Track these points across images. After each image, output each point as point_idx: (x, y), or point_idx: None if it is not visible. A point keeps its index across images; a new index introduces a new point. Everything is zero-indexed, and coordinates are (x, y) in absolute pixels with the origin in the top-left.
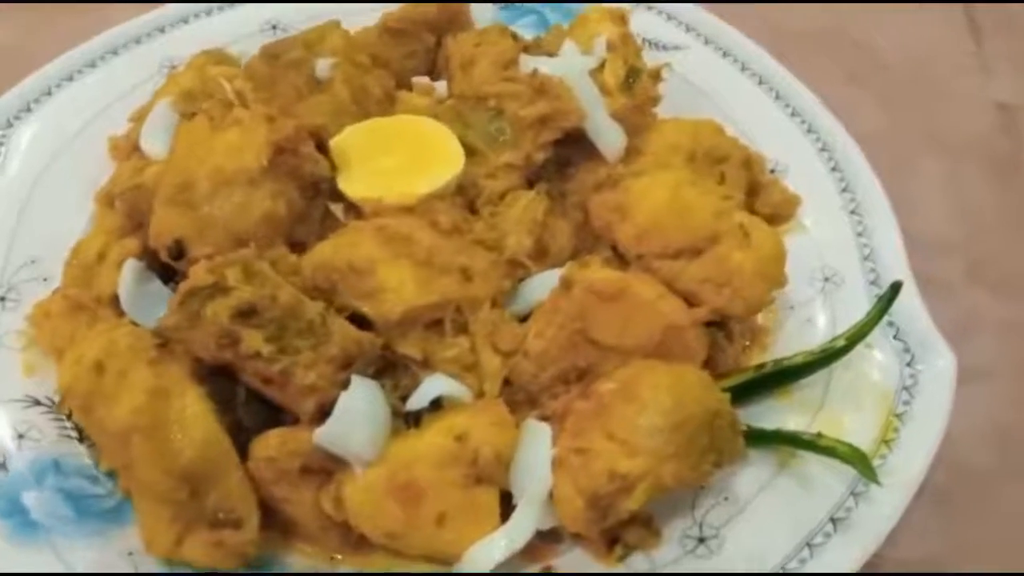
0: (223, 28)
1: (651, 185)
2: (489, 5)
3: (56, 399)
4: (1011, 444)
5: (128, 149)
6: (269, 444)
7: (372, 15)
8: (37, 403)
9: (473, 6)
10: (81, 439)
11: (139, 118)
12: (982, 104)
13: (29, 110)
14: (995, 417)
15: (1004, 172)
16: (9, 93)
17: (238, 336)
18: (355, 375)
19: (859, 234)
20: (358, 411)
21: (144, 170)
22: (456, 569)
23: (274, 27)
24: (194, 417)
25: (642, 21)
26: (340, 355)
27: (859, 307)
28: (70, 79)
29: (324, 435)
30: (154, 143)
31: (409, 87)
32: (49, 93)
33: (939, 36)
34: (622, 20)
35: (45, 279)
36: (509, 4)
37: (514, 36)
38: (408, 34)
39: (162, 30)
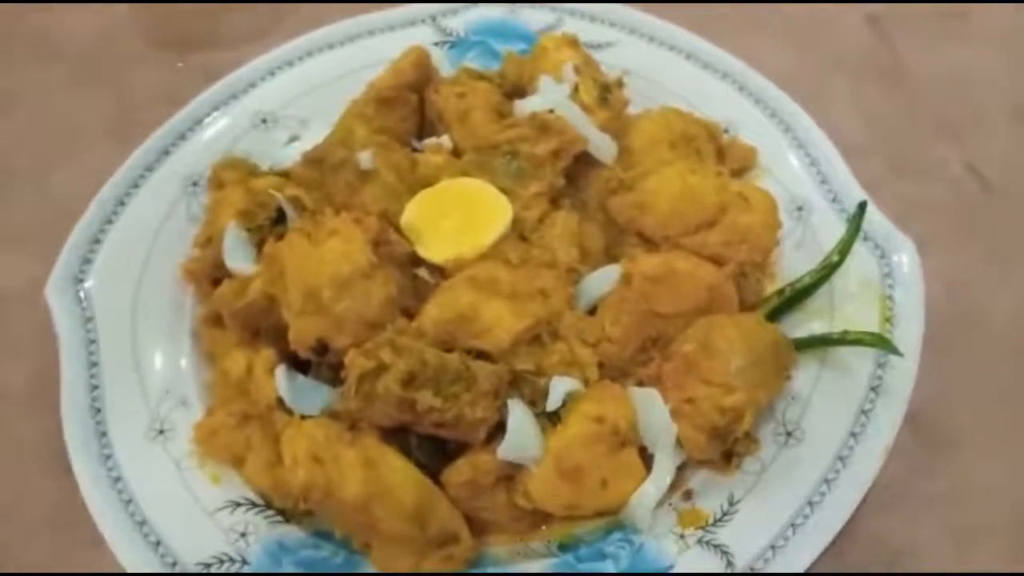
0: (222, 133)
1: (660, 181)
2: (439, 50)
3: (251, 496)
4: (956, 294)
5: (202, 272)
6: (462, 471)
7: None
8: (238, 505)
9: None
10: (286, 520)
11: (203, 244)
12: (858, 21)
13: (88, 261)
14: (941, 275)
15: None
16: (65, 252)
17: (413, 400)
18: (508, 399)
19: (810, 164)
20: (522, 426)
21: (246, 289)
22: (623, 513)
23: (264, 120)
24: (402, 471)
25: (571, 26)
26: (490, 388)
27: (830, 224)
28: (110, 221)
29: (505, 451)
30: (239, 261)
31: (412, 148)
32: (98, 241)
33: None
34: (576, 44)
35: (184, 403)
36: (456, 43)
37: (480, 76)
38: (399, 100)
39: (167, 152)
